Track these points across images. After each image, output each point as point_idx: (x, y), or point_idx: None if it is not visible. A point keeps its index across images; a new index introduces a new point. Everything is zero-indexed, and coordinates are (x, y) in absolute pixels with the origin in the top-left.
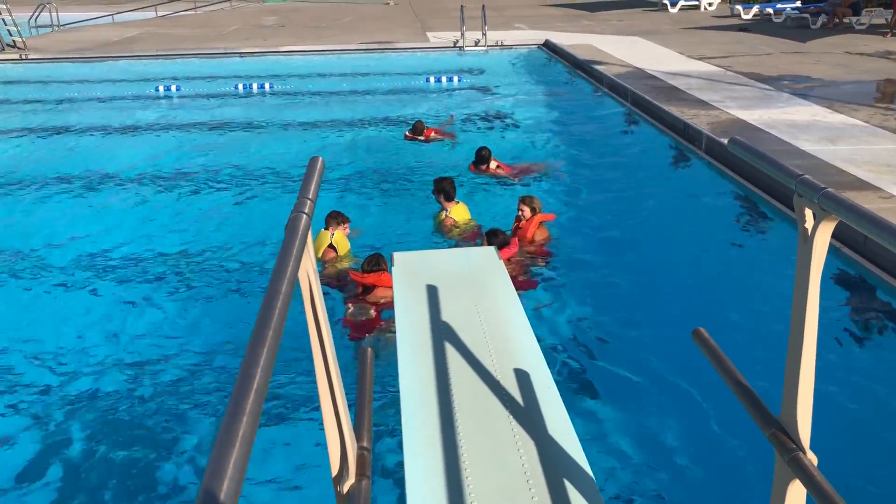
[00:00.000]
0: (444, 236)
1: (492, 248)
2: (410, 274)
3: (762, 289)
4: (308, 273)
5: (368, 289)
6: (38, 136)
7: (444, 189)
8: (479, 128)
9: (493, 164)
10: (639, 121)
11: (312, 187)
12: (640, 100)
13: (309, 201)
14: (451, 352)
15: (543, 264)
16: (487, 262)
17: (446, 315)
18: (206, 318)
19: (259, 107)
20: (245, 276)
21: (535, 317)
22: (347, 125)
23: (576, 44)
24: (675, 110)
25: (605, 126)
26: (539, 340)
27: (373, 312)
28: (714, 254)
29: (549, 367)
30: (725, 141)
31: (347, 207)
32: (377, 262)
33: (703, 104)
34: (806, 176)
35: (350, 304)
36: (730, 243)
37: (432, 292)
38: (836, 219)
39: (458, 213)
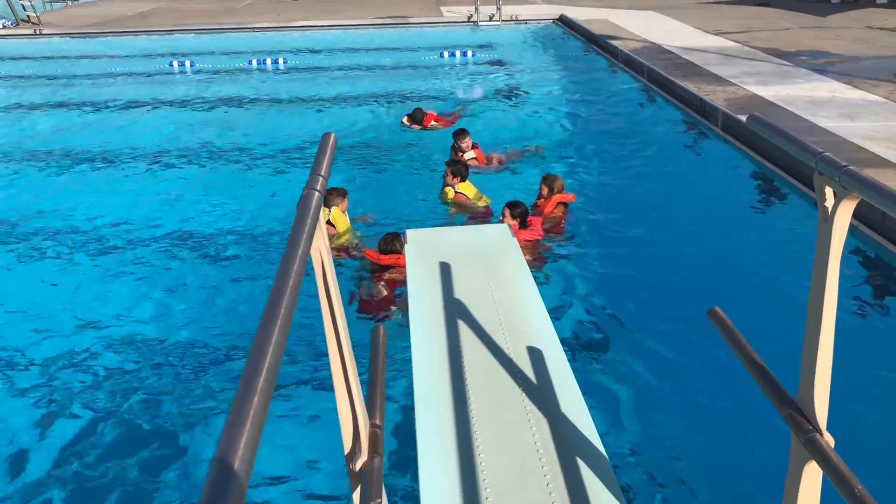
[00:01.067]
0: (455, 213)
1: (505, 226)
2: (423, 251)
3: (780, 269)
4: (321, 251)
5: (383, 268)
6: (51, 112)
7: (461, 172)
8: (491, 104)
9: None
10: (655, 97)
11: (325, 164)
12: (656, 75)
13: (321, 178)
14: (463, 330)
15: (560, 241)
16: (501, 239)
17: (459, 293)
18: (219, 295)
19: (272, 82)
20: (256, 253)
21: (548, 295)
22: (360, 101)
23: (591, 18)
24: (691, 86)
25: (620, 102)
26: (553, 320)
27: (385, 291)
28: (731, 233)
29: (563, 347)
30: (744, 118)
31: (359, 185)
32: (393, 243)
33: (720, 80)
34: (826, 153)
35: (363, 282)
36: (747, 222)
37: (445, 270)
38: (857, 197)
39: (467, 188)
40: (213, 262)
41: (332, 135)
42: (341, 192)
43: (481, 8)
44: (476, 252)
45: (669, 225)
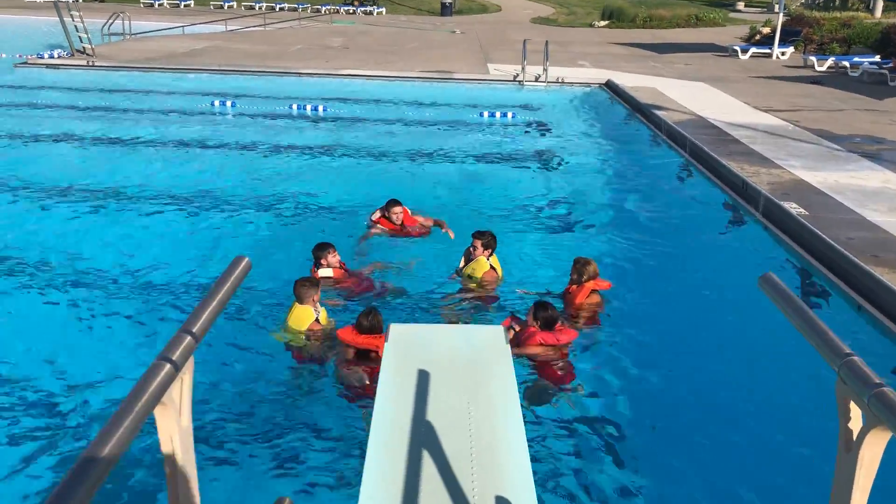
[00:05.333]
0: (472, 288)
1: (499, 329)
2: (403, 351)
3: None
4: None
5: (362, 352)
6: (89, 143)
7: (492, 245)
8: (526, 167)
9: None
10: (695, 173)
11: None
12: (698, 150)
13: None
14: (426, 460)
15: (593, 338)
16: (492, 345)
17: (432, 412)
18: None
19: (310, 130)
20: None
21: (570, 407)
22: (393, 156)
23: (639, 86)
24: (734, 165)
25: (659, 176)
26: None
27: (366, 380)
28: (767, 332)
29: (537, 492)
30: (787, 205)
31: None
32: (373, 321)
33: (765, 161)
34: (855, 357)
35: (343, 369)
36: (784, 322)
37: (422, 379)
38: (889, 432)
39: (496, 263)
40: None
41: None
42: (314, 283)
43: (529, 68)
44: (462, 359)
45: (704, 318)
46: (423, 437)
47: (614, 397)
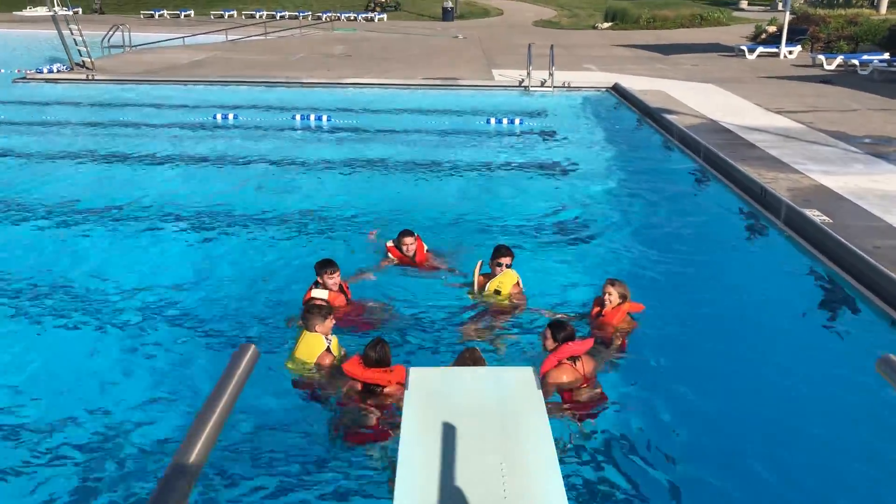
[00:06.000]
0: (501, 304)
1: (529, 370)
2: (425, 401)
3: (846, 385)
4: None
5: (370, 388)
6: (86, 160)
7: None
8: (534, 176)
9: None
10: (710, 179)
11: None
12: (713, 156)
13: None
14: None
15: (619, 361)
16: (522, 391)
17: (461, 474)
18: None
19: (313, 141)
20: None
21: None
22: (396, 166)
23: (646, 89)
24: (751, 171)
25: (673, 184)
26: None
27: (373, 419)
28: (794, 346)
29: None
30: (810, 212)
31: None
32: (381, 353)
33: (783, 165)
34: None
35: (345, 408)
36: (811, 335)
37: (448, 436)
38: None
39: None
40: (216, 333)
41: (252, 347)
42: (323, 309)
43: (534, 73)
44: (490, 408)
45: (725, 336)
46: (453, 496)
47: (660, 430)
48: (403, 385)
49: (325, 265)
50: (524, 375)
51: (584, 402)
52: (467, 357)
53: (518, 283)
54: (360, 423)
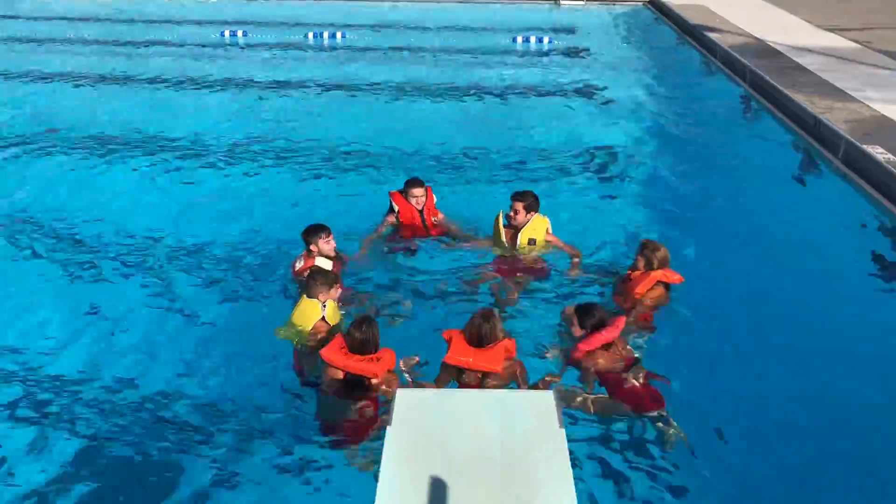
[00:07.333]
0: (532, 256)
1: (549, 396)
2: (412, 439)
3: None
4: None
5: (353, 379)
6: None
7: (535, 208)
8: (562, 105)
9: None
10: (758, 108)
11: None
12: (761, 81)
13: None
14: None
15: (644, 344)
16: (539, 428)
17: None
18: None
19: (328, 61)
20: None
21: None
22: (412, 91)
23: (687, 3)
24: (803, 100)
25: (716, 113)
26: None
27: (356, 415)
28: (858, 305)
29: None
30: (871, 149)
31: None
32: (368, 334)
33: (839, 93)
34: None
35: (324, 396)
36: (876, 297)
37: (437, 490)
38: None
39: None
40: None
41: None
42: (329, 280)
43: None
44: (493, 453)
45: (778, 295)
46: None
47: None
48: (392, 372)
49: (319, 230)
50: (543, 404)
51: (634, 394)
52: (479, 322)
53: (548, 229)
54: (339, 418)
